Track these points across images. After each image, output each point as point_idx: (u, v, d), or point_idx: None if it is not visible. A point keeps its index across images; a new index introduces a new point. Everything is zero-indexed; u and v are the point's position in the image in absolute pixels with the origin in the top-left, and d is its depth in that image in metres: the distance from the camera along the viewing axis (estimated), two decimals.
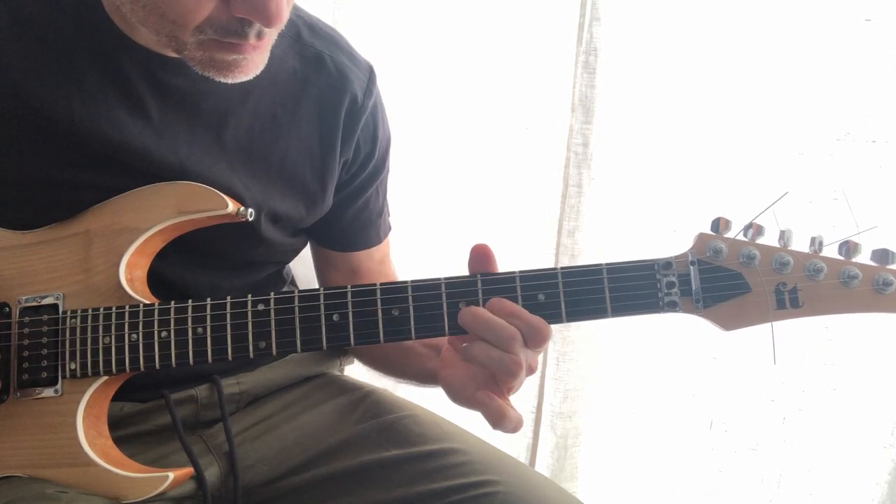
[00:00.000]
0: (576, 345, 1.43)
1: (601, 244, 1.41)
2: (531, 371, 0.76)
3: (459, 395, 0.78)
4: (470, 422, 1.04)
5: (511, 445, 1.53)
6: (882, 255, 0.72)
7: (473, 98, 1.39)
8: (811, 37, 1.16)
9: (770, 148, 1.21)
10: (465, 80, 1.39)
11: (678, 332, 1.37)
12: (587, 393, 1.46)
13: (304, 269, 1.20)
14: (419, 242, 1.44)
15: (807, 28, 1.16)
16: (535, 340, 0.74)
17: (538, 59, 1.36)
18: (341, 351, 1.09)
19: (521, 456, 1.54)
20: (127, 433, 0.90)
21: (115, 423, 0.87)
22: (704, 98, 1.28)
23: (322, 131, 0.94)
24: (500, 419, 0.75)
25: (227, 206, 0.82)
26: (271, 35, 0.77)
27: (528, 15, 1.34)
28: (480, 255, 0.77)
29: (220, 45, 0.74)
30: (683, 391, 1.37)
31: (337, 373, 1.09)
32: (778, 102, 1.20)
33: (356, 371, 1.12)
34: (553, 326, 1.49)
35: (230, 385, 0.97)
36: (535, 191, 1.41)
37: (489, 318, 0.74)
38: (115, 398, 0.86)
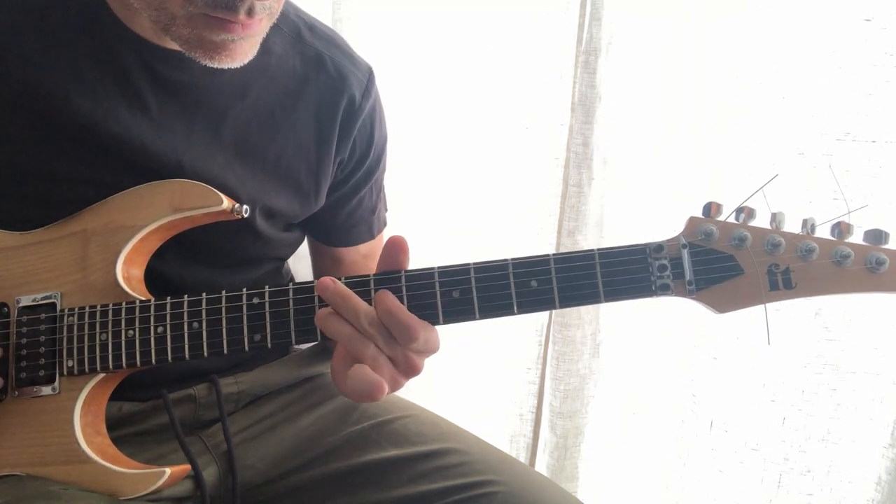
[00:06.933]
0: (576, 345, 1.42)
1: (601, 244, 1.40)
2: (413, 371, 0.75)
3: None
4: (469, 422, 1.04)
5: (511, 445, 1.53)
6: (875, 236, 0.71)
7: (473, 98, 1.39)
8: (811, 37, 1.16)
9: (770, 148, 1.21)
10: (465, 80, 1.39)
11: (679, 332, 1.37)
12: (587, 393, 1.46)
13: (305, 269, 1.20)
14: (419, 243, 1.43)
15: (807, 28, 1.16)
16: (404, 338, 0.73)
17: (538, 59, 1.36)
18: None
19: (521, 456, 1.54)
20: (125, 433, 0.90)
21: (113, 424, 0.87)
22: (705, 98, 1.28)
23: (319, 130, 0.94)
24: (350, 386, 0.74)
25: (222, 202, 0.83)
26: (262, 21, 0.77)
27: (529, 15, 1.34)
28: (395, 248, 0.76)
29: (210, 22, 0.74)
30: (683, 391, 1.37)
31: None
32: (778, 102, 1.19)
33: None
34: (553, 326, 1.49)
35: (228, 384, 0.97)
36: (535, 191, 1.41)
37: (348, 296, 0.74)
38: (114, 398, 0.86)
